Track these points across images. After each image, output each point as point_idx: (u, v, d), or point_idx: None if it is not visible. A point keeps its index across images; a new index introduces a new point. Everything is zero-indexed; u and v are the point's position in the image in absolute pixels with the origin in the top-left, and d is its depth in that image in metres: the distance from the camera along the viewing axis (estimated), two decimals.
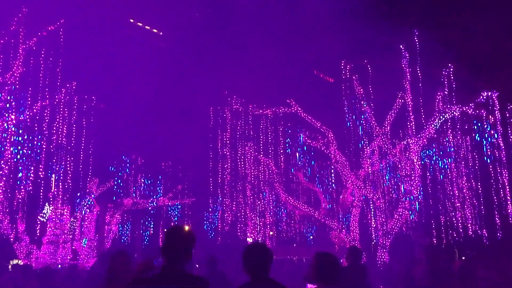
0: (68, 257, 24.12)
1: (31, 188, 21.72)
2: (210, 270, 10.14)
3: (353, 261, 9.37)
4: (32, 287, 12.38)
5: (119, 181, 30.41)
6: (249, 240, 30.05)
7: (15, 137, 20.45)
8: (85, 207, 26.30)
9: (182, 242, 4.26)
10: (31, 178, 21.56)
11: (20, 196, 21.30)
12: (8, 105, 20.06)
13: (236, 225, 29.42)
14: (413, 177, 21.38)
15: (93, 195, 26.77)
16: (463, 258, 31.58)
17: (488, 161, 24.31)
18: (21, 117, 21.00)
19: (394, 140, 23.78)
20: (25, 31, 20.61)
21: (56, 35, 21.45)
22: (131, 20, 54.05)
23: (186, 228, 4.54)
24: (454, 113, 22.19)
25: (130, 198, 30.15)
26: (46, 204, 24.16)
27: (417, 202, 22.19)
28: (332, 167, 27.10)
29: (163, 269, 4.23)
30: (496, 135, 23.19)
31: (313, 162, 29.63)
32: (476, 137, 24.01)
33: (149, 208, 33.41)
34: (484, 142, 23.86)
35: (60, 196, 24.19)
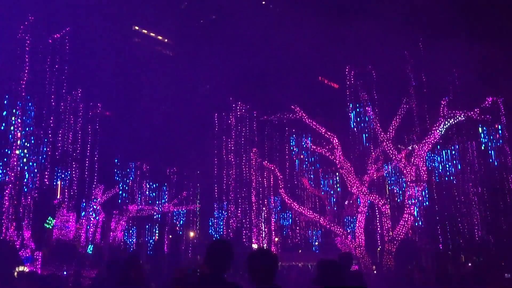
0: (74, 264, 24.13)
1: (36, 195, 21.79)
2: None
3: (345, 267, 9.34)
4: None
5: (125, 187, 30.45)
6: (254, 246, 30.00)
7: (21, 144, 20.52)
8: (90, 214, 26.37)
9: (222, 255, 4.72)
10: (36, 185, 21.63)
11: (26, 203, 21.37)
12: (14, 112, 20.15)
13: (241, 231, 29.39)
14: (418, 183, 21.28)
15: (98, 202, 26.84)
16: (470, 264, 31.39)
17: (494, 166, 24.17)
18: (27, 124, 21.09)
19: (399, 146, 23.71)
20: (31, 39, 20.74)
21: (62, 43, 21.59)
22: (136, 28, 54.36)
23: (227, 242, 4.97)
24: (459, 118, 22.11)
25: (135, 204, 30.18)
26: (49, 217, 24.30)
27: (422, 208, 22.08)
28: (337, 173, 27.04)
29: (206, 276, 4.70)
30: (501, 140, 23.05)
31: (318, 167, 29.55)
32: (482, 142, 23.88)
33: (154, 215, 33.41)
34: (490, 147, 23.73)
35: (66, 203, 24.27)
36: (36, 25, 20.69)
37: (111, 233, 28.76)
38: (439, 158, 25.57)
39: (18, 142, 20.37)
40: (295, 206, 25.30)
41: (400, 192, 24.00)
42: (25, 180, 21.18)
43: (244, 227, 28.93)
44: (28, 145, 20.94)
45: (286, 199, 25.45)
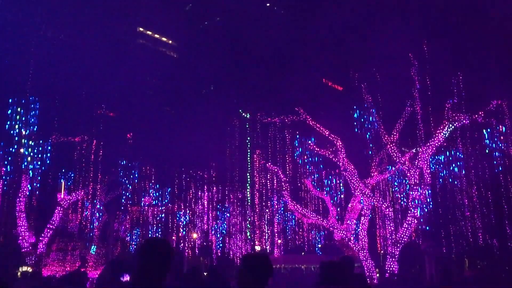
0: (77, 264, 24.17)
1: (40, 196, 21.86)
2: (212, 278, 10.34)
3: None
4: None
5: (128, 188, 30.43)
6: (257, 248, 29.98)
7: (24, 145, 20.59)
8: (93, 214, 26.38)
9: (158, 258, 3.70)
10: (40, 185, 21.69)
11: (29, 203, 21.42)
12: (19, 112, 20.23)
13: (244, 233, 29.34)
14: (422, 186, 21.19)
15: (102, 203, 26.85)
16: (473, 267, 31.25)
17: (499, 169, 24.06)
18: (31, 125, 21.15)
19: (403, 149, 23.63)
20: (37, 39, 20.84)
21: (67, 44, 21.70)
22: (141, 29, 54.51)
23: (164, 241, 3.92)
24: (464, 121, 22.00)
25: (138, 205, 30.18)
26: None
27: (426, 211, 21.99)
28: (341, 175, 26.95)
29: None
30: (506, 143, 22.91)
31: (321, 169, 29.44)
32: (486, 145, 23.76)
33: (158, 216, 33.40)
34: (494, 151, 23.60)
35: (69, 203, 24.30)
36: (41, 26, 20.79)
37: (114, 233, 28.77)
38: (443, 161, 25.45)
39: (23, 138, 20.43)
40: (298, 208, 25.23)
41: (404, 195, 23.92)
42: (29, 180, 21.25)
43: (247, 229, 28.89)
44: (32, 144, 21.01)
45: (289, 202, 25.37)
